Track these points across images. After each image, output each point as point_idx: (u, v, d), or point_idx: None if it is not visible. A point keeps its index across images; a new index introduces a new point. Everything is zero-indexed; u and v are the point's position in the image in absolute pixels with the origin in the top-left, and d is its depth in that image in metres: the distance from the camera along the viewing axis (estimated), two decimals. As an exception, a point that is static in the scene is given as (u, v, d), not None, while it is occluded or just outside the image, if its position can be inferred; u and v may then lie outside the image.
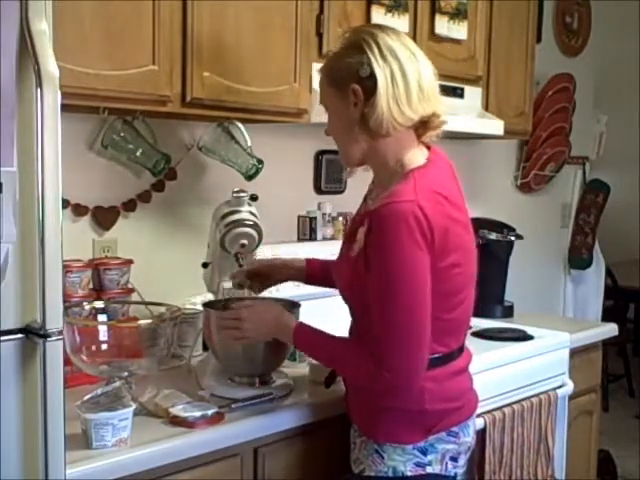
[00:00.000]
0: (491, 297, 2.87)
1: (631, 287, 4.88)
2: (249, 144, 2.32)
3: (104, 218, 2.23)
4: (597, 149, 4.54)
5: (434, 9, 2.66)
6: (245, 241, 2.04)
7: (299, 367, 2.08)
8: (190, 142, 2.39)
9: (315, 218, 2.75)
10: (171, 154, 2.27)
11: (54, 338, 1.31)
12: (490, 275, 2.56)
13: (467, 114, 2.80)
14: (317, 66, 1.80)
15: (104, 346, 1.77)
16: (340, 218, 2.82)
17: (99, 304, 2.00)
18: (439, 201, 1.59)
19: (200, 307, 2.05)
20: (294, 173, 2.77)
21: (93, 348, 1.77)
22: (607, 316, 4.34)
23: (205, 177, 2.47)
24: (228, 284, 2.08)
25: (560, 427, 2.54)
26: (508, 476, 2.29)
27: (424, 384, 1.61)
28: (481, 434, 2.13)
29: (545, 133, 3.87)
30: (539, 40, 3.61)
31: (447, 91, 2.56)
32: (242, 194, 2.06)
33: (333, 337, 1.70)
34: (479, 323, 2.57)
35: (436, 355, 1.63)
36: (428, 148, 1.71)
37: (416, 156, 1.67)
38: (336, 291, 1.78)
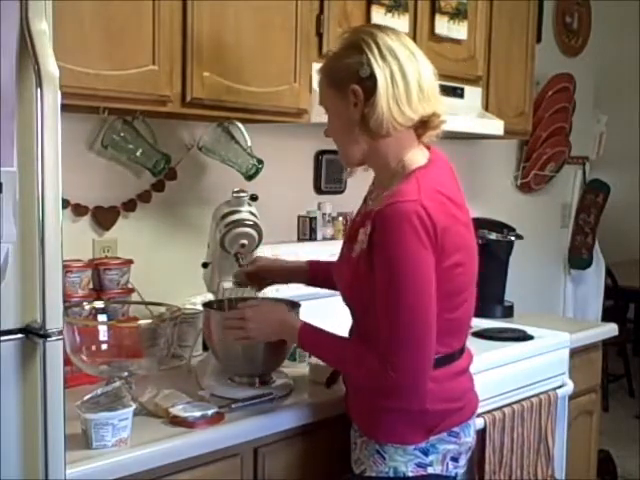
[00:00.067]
0: (491, 297, 2.87)
1: (631, 287, 4.88)
2: (249, 144, 2.32)
3: (104, 218, 2.23)
4: (597, 149, 4.54)
5: (434, 9, 2.66)
6: (245, 241, 2.04)
7: (299, 367, 2.08)
8: (190, 142, 2.39)
9: (315, 218, 2.75)
10: (171, 154, 2.27)
11: (54, 338, 1.31)
12: (490, 275, 2.56)
13: (467, 114, 2.80)
14: (317, 66, 1.80)
15: (104, 346, 1.77)
16: (340, 218, 2.82)
17: (99, 304, 2.01)
18: (442, 201, 1.59)
19: (200, 307, 2.05)
20: (294, 173, 2.77)
21: (93, 348, 1.77)
22: (607, 316, 4.34)
23: (205, 177, 2.47)
24: (228, 284, 2.08)
25: (560, 427, 2.54)
26: (508, 476, 2.29)
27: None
28: (481, 434, 2.13)
29: (545, 133, 3.87)
30: (539, 40, 3.62)
31: (447, 91, 2.56)
32: (242, 194, 2.06)
33: (338, 337, 1.70)
34: (479, 323, 2.57)
35: (438, 355, 1.63)
36: (428, 148, 1.71)
37: (417, 156, 1.67)
38: (336, 291, 1.78)
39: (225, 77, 2.05)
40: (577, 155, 4.30)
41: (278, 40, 2.18)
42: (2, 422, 1.31)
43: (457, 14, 2.73)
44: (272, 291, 2.15)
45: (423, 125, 1.66)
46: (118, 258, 2.21)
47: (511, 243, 2.98)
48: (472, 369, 1.79)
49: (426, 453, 1.66)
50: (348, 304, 1.74)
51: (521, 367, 2.42)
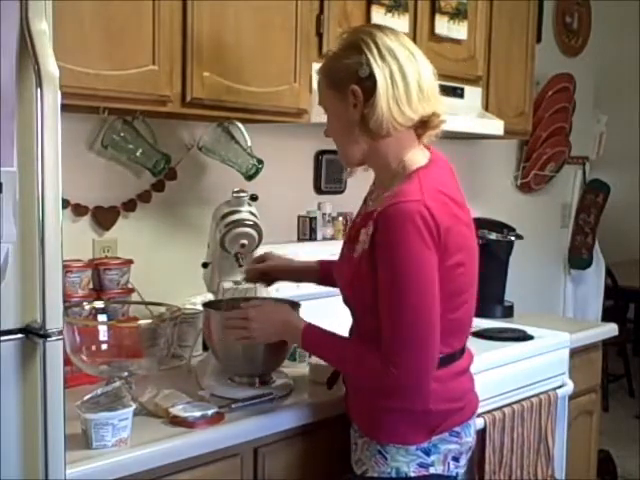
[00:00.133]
0: (491, 297, 2.87)
1: (631, 287, 4.88)
2: (249, 144, 2.32)
3: (104, 218, 2.23)
4: (597, 149, 4.54)
5: (434, 9, 2.66)
6: (245, 241, 2.04)
7: (299, 367, 2.08)
8: (190, 142, 2.39)
9: (315, 218, 2.75)
10: (171, 154, 2.27)
11: (54, 338, 1.31)
12: (490, 275, 2.56)
13: (467, 114, 2.80)
14: (317, 66, 1.80)
15: (104, 346, 1.77)
16: (340, 218, 2.82)
17: (99, 304, 2.00)
18: (444, 201, 1.59)
19: (200, 307, 2.05)
20: (294, 173, 2.77)
21: (93, 348, 1.77)
22: (607, 316, 4.34)
23: (205, 177, 2.47)
24: (228, 284, 2.08)
25: (560, 427, 2.54)
26: (508, 476, 2.29)
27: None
28: (481, 434, 2.13)
29: (545, 133, 3.87)
30: (539, 40, 3.62)
31: (447, 91, 2.57)
32: (242, 194, 2.06)
33: (341, 337, 1.70)
34: (479, 323, 2.56)
35: (440, 355, 1.62)
36: (427, 149, 1.71)
37: (418, 156, 1.67)
38: (336, 291, 1.78)
39: (225, 77, 2.05)
40: (577, 155, 4.30)
41: (278, 40, 2.18)
42: (2, 422, 1.31)
43: (457, 14, 2.73)
44: (272, 291, 2.15)
45: (423, 125, 1.66)
46: (118, 258, 2.21)
47: (511, 243, 2.98)
48: (472, 369, 1.79)
49: (428, 453, 1.66)
50: (348, 304, 1.74)
51: (521, 367, 2.42)
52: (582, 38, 4.30)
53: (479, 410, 1.83)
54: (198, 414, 1.69)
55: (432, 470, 1.66)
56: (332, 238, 2.77)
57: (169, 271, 2.34)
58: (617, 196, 4.64)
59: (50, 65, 1.28)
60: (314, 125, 2.20)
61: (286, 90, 2.21)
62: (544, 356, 2.51)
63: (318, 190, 2.86)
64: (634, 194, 5.39)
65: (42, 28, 1.29)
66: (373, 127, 1.62)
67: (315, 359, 1.88)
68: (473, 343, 1.82)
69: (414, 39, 2.49)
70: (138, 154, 2.18)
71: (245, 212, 2.05)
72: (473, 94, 2.91)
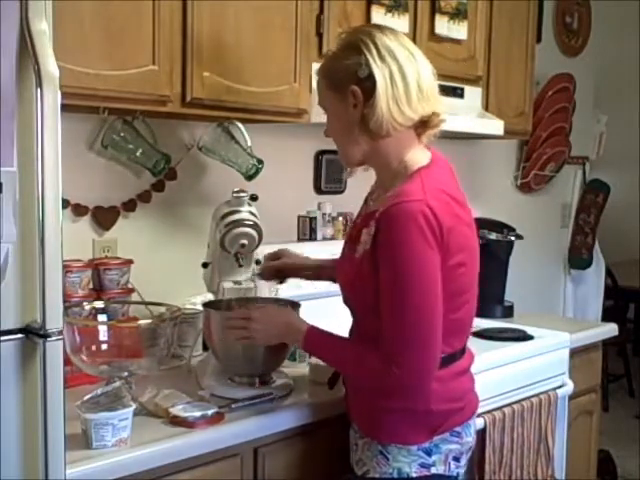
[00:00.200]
0: (491, 297, 2.87)
1: (631, 287, 4.88)
2: (249, 144, 2.32)
3: (104, 218, 2.23)
4: (597, 149, 4.54)
5: (434, 9, 2.66)
6: (245, 241, 2.04)
7: (299, 367, 2.08)
8: (190, 142, 2.39)
9: (315, 218, 2.75)
10: (171, 154, 2.27)
11: (54, 338, 1.31)
12: (490, 275, 2.55)
13: (467, 114, 2.80)
14: (317, 66, 1.80)
15: (104, 346, 1.77)
16: (340, 218, 2.82)
17: (99, 304, 2.00)
18: (447, 201, 1.59)
19: (200, 307, 2.05)
20: (294, 173, 2.77)
21: (93, 348, 1.77)
22: (607, 316, 4.34)
23: (205, 177, 2.47)
24: (228, 284, 2.08)
25: (560, 427, 2.54)
26: (508, 476, 2.29)
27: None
28: (481, 434, 2.13)
29: (545, 133, 3.87)
30: (539, 40, 3.62)
31: (447, 91, 2.57)
32: (242, 194, 2.06)
33: (342, 338, 1.70)
34: (479, 323, 2.56)
35: (441, 355, 1.62)
36: (427, 149, 1.71)
37: (419, 156, 1.67)
38: (337, 291, 1.78)
39: (225, 77, 2.05)
40: (577, 155, 4.30)
41: (278, 40, 2.18)
42: (2, 422, 1.31)
43: (457, 14, 2.73)
44: (273, 291, 2.15)
45: (423, 125, 1.66)
46: (118, 258, 2.21)
47: (511, 243, 2.98)
48: (472, 369, 1.79)
49: (429, 453, 1.66)
50: (349, 304, 1.74)
51: (521, 367, 2.42)
52: (582, 38, 4.30)
53: (479, 410, 1.83)
54: (198, 414, 1.69)
55: (433, 470, 1.66)
56: (332, 238, 2.77)
57: (169, 271, 2.34)
58: (617, 196, 4.64)
59: (50, 65, 1.28)
60: (314, 125, 2.20)
61: (286, 90, 2.21)
62: (544, 356, 2.51)
63: (318, 190, 2.86)
64: (634, 194, 5.39)
65: (42, 28, 1.29)
66: (373, 127, 1.62)
67: (315, 359, 1.88)
68: (473, 343, 1.82)
69: (414, 39, 2.49)
70: (138, 154, 2.18)
71: (245, 212, 2.05)
72: (473, 94, 2.91)
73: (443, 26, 2.69)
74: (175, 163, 2.34)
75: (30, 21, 1.28)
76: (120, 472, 1.52)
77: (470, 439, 1.74)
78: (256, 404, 1.79)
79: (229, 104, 2.09)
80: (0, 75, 1.23)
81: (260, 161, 2.33)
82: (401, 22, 2.48)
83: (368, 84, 1.60)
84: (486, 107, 3.00)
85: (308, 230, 2.73)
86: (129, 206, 2.29)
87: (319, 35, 2.29)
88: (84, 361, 1.76)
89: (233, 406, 1.76)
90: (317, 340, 1.71)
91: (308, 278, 2.10)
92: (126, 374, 1.76)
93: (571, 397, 2.61)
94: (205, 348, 2.14)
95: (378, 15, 2.42)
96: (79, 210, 2.17)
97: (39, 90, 1.26)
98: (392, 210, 1.55)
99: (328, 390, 1.89)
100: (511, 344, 2.48)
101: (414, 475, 1.65)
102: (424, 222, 1.52)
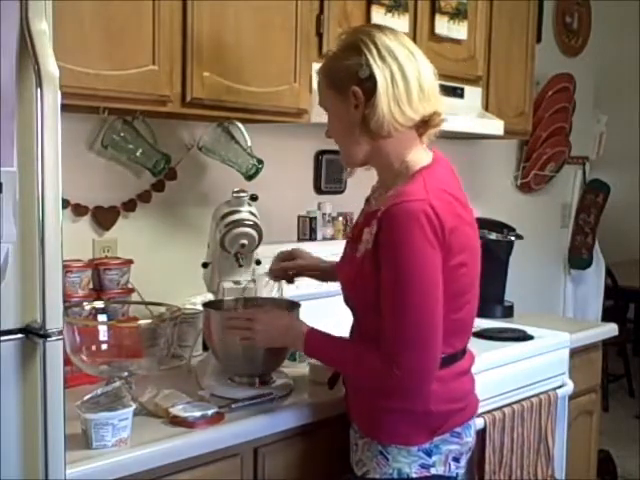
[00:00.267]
0: (491, 297, 2.87)
1: (631, 287, 4.88)
2: (249, 144, 2.32)
3: (104, 218, 2.23)
4: (597, 149, 4.54)
5: (434, 9, 2.66)
6: (245, 241, 2.04)
7: (299, 367, 2.08)
8: (190, 142, 2.39)
9: (315, 218, 2.75)
10: (171, 154, 2.27)
11: (54, 338, 1.31)
12: (490, 275, 2.55)
13: (467, 114, 2.80)
14: (317, 66, 1.80)
15: (104, 346, 1.77)
16: (340, 218, 2.82)
17: (99, 304, 2.00)
18: (449, 200, 1.59)
19: (200, 307, 2.05)
20: (294, 173, 2.77)
21: (93, 348, 1.77)
22: (607, 316, 4.34)
23: (205, 177, 2.47)
24: (228, 284, 2.08)
25: (560, 427, 2.54)
26: (508, 476, 2.29)
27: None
28: (481, 434, 2.13)
29: (545, 133, 3.88)
30: (539, 40, 3.62)
31: (447, 91, 2.56)
32: (242, 194, 2.06)
33: (342, 339, 1.70)
34: (479, 323, 2.55)
35: (442, 355, 1.62)
36: (429, 149, 1.71)
37: (420, 156, 1.67)
38: (337, 291, 1.78)
39: (225, 77, 2.05)
40: (577, 155, 4.30)
41: (278, 40, 2.18)
42: (2, 422, 1.31)
43: (457, 14, 2.73)
44: (278, 291, 2.15)
45: (424, 124, 1.66)
46: (118, 258, 2.21)
47: (511, 243, 2.98)
48: (472, 369, 1.79)
49: (429, 454, 1.65)
50: (350, 303, 1.74)
51: (521, 367, 2.42)
52: (582, 38, 4.30)
53: (479, 410, 1.83)
54: (198, 414, 1.69)
55: (433, 471, 1.66)
56: (332, 238, 2.77)
57: (169, 271, 2.34)
58: (617, 196, 4.64)
59: (50, 65, 1.28)
60: (314, 125, 2.20)
61: (286, 90, 2.21)
62: (544, 356, 2.51)
63: (318, 190, 2.86)
64: (634, 194, 5.39)
65: (42, 28, 1.29)
66: (374, 128, 1.62)
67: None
68: (473, 343, 1.82)
69: (414, 39, 2.49)
70: (138, 154, 2.18)
71: (245, 212, 2.05)
72: (473, 94, 2.91)
73: (443, 26, 2.69)
74: (175, 163, 2.34)
75: (30, 21, 1.28)
76: (120, 472, 1.51)
77: (470, 440, 1.74)
78: (256, 404, 1.79)
79: (229, 104, 2.09)
80: (0, 75, 1.23)
81: (260, 161, 2.33)
82: (401, 22, 2.48)
83: (369, 84, 1.60)
84: (486, 107, 3.00)
85: (308, 230, 2.73)
86: (129, 206, 2.29)
87: (319, 35, 2.29)
88: (84, 361, 1.76)
89: (233, 406, 1.76)
90: (317, 342, 1.71)
91: (320, 279, 2.10)
92: (126, 374, 1.76)
93: (571, 397, 2.61)
94: (205, 348, 2.14)
95: (378, 15, 2.42)
96: (79, 210, 2.17)
97: (39, 90, 1.26)
98: (394, 209, 1.54)
99: (328, 390, 1.89)
100: (511, 344, 2.48)
101: (414, 476, 1.64)
102: (426, 222, 1.52)
